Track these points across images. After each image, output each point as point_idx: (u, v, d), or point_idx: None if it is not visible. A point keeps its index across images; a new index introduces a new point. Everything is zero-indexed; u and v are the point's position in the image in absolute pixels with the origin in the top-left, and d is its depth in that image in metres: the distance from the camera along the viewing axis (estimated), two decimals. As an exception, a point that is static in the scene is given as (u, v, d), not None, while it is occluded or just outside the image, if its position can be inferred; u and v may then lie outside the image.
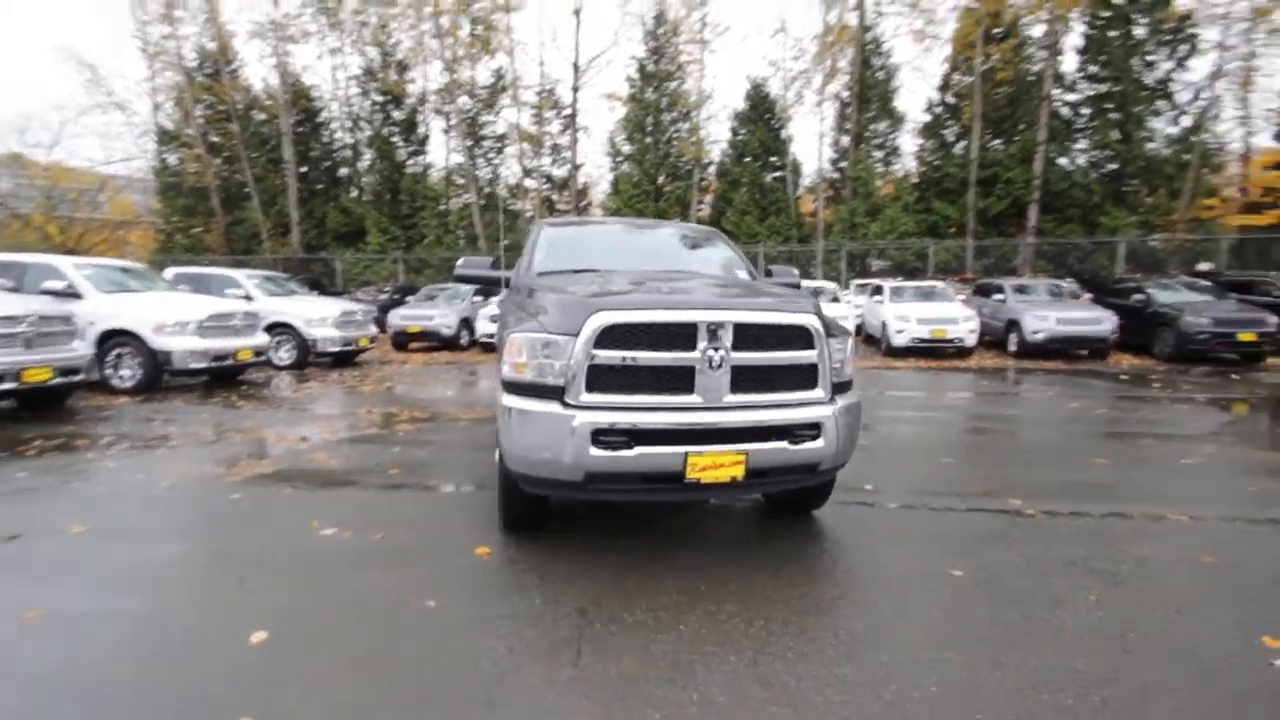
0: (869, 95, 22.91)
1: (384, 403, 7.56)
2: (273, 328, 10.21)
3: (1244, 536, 3.38)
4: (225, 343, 8.27)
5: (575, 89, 24.22)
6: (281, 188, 24.38)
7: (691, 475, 2.75)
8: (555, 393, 2.78)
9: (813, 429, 2.90)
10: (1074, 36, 21.83)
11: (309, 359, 10.81)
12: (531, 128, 24.60)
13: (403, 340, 14.17)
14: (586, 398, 2.74)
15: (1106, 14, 21.28)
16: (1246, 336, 10.82)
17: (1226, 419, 6.80)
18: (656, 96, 23.44)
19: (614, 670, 2.10)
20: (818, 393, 2.98)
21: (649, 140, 23.38)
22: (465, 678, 2.06)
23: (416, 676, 2.07)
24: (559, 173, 25.54)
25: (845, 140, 23.15)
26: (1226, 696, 1.99)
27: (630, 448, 2.71)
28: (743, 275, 4.26)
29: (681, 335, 2.77)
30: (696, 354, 2.77)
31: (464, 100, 24.56)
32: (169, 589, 2.71)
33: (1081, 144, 22.00)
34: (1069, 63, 21.95)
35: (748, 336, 2.83)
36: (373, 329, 11.99)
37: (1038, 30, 21.83)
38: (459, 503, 3.92)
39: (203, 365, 7.98)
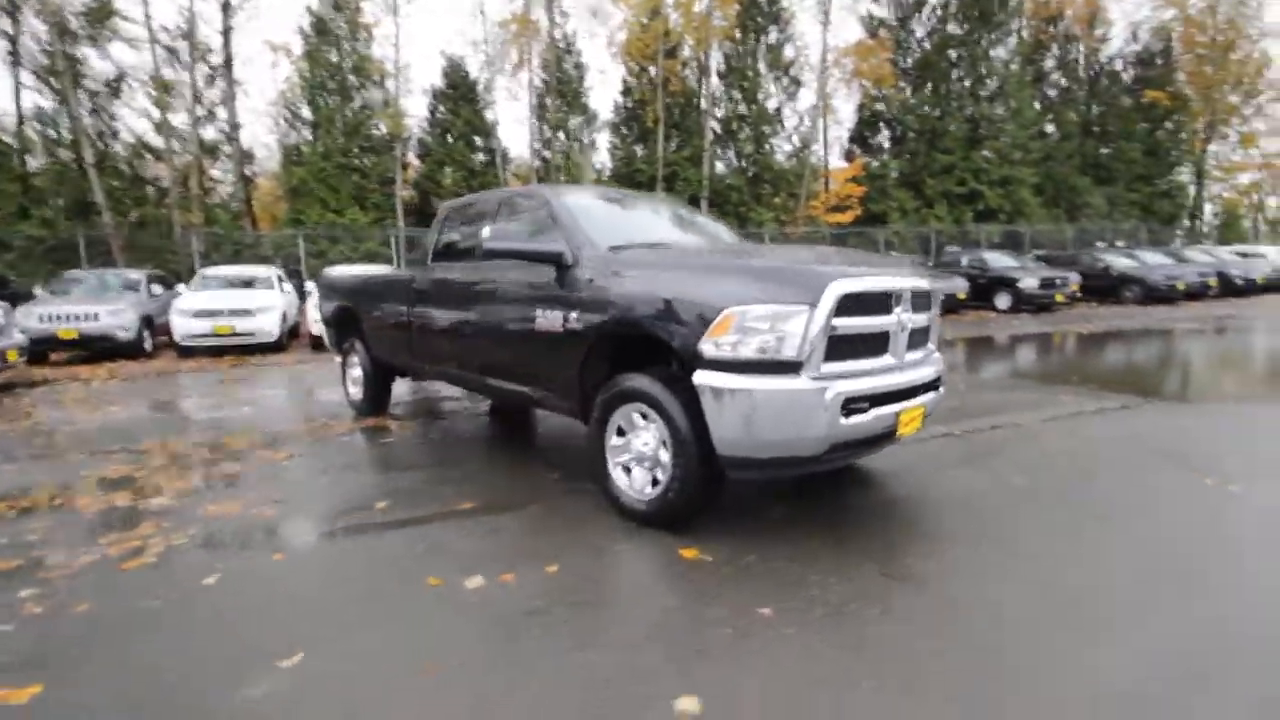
0: (564, 90, 24.00)
1: (153, 432, 5.43)
2: None
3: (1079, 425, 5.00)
4: None
5: (226, 31, 19.64)
6: None
7: (901, 431, 2.97)
8: (790, 367, 2.67)
9: (939, 378, 3.37)
10: (720, 62, 26.36)
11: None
12: (168, 75, 19.13)
13: (45, 349, 9.95)
14: (825, 368, 2.71)
15: (740, 47, 26.30)
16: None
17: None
18: (340, 58, 20.57)
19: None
20: (932, 347, 3.46)
21: (335, 104, 20.43)
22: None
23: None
24: (211, 134, 20.50)
25: (548, 130, 23.86)
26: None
27: (866, 412, 2.78)
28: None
29: (886, 302, 2.93)
30: (893, 319, 2.97)
31: (40, 24, 17.71)
32: None
33: (731, 152, 26.88)
34: (719, 84, 26.46)
35: (918, 301, 3.14)
36: (19, 336, 8.20)
37: (695, 51, 25.81)
38: (543, 521, 3.27)
39: None
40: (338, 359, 6.57)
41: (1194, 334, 11.12)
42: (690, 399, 2.85)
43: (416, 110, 22.79)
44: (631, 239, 3.67)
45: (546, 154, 23.81)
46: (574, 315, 3.32)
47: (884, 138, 29.32)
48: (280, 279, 12.66)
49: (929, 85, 27.91)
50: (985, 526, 3.05)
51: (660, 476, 3.00)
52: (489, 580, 2.54)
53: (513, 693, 1.85)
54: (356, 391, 5.97)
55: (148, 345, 10.79)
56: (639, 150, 25.13)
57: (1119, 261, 18.84)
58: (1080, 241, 28.53)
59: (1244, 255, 21.41)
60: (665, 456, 2.96)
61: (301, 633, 2.19)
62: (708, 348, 2.72)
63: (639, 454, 3.09)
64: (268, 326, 11.00)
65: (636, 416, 3.09)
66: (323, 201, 19.60)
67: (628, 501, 3.14)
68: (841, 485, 3.66)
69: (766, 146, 26.63)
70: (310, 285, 12.52)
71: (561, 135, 24.08)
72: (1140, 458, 4.11)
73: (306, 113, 20.66)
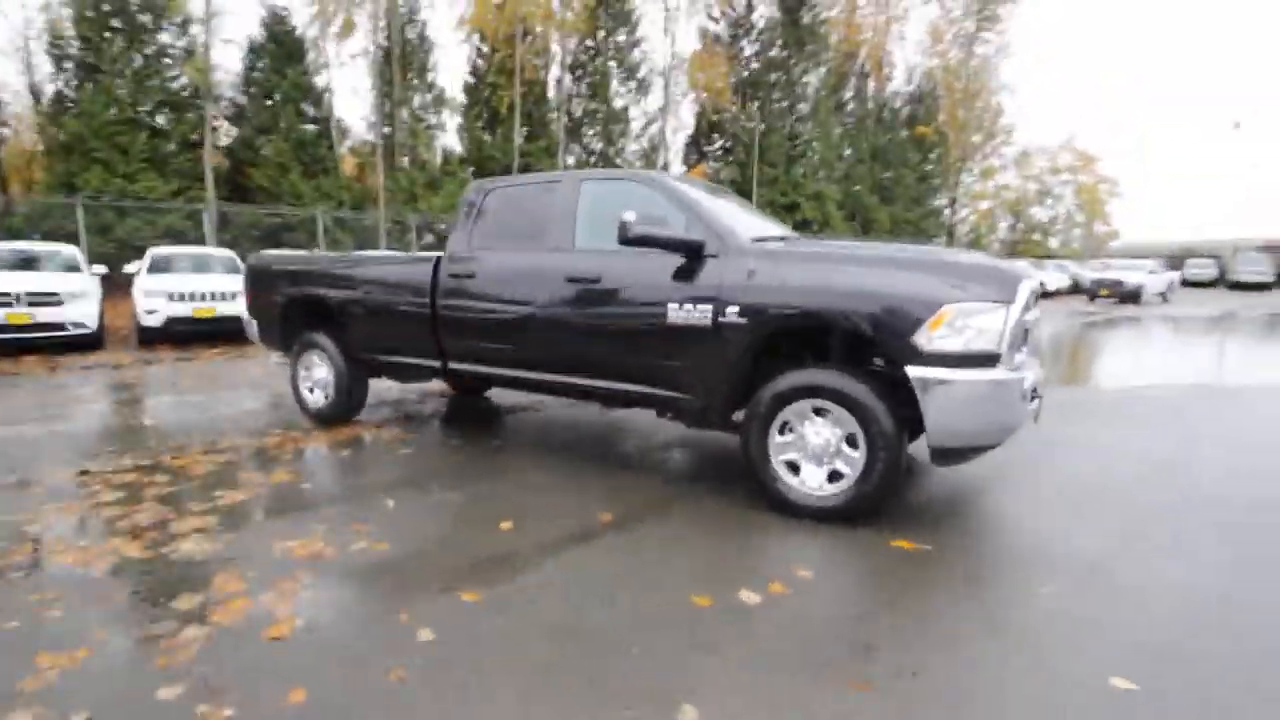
0: (408, 63, 22.11)
1: (41, 455, 4.10)
2: None
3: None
4: None
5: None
6: None
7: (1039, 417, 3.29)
8: (991, 360, 2.83)
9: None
10: (571, 56, 26.16)
11: None
12: None
13: None
14: (1014, 359, 2.92)
15: (590, 42, 26.35)
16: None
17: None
18: (126, -11, 16.80)
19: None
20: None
21: (119, 46, 16.63)
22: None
23: None
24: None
25: (389, 105, 21.77)
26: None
27: (1033, 400, 3.05)
28: None
29: (1029, 299, 3.21)
30: (1032, 316, 3.27)
31: None
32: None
33: (579, 147, 26.84)
34: (569, 78, 26.23)
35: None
36: None
37: (542, 43, 25.29)
38: (713, 525, 3.07)
39: None
40: (274, 358, 5.48)
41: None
42: (887, 392, 2.90)
43: (230, 65, 19.35)
44: (753, 230, 3.59)
45: (387, 130, 21.71)
46: (732, 309, 3.16)
47: (718, 147, 31.33)
48: (86, 259, 10.09)
49: (756, 102, 30.38)
50: (1098, 498, 3.47)
51: (846, 470, 2.99)
52: (761, 593, 2.35)
53: (975, 695, 1.77)
54: (318, 396, 5.03)
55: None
56: (488, 137, 24.03)
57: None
58: (874, 251, 33.10)
59: (999, 267, 26.44)
60: (852, 451, 2.97)
61: (648, 682, 1.85)
62: (923, 342, 2.78)
63: (815, 450, 3.05)
64: (82, 318, 8.73)
65: (810, 412, 3.05)
66: (106, 164, 15.86)
67: (798, 499, 3.09)
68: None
69: (615, 145, 27.04)
70: (133, 266, 10.22)
71: (405, 112, 22.14)
72: (1119, 421, 4.97)
73: (79, 52, 16.52)
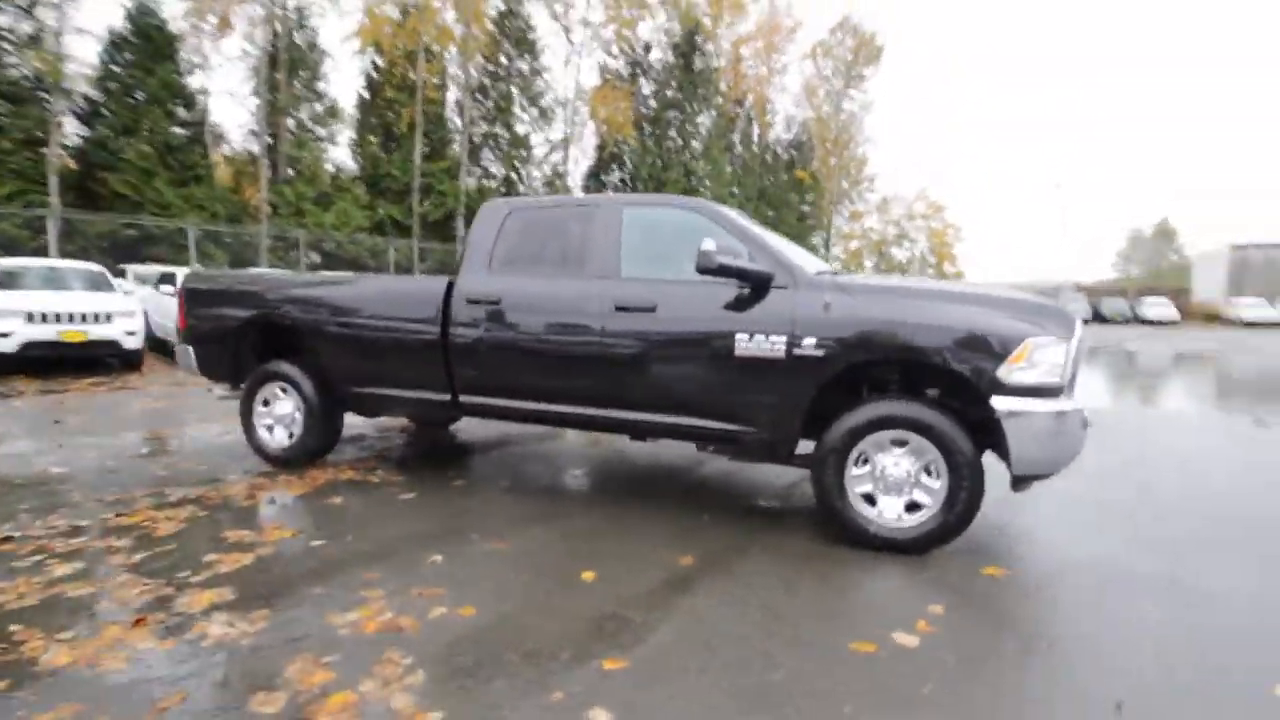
0: (295, 70, 20.57)
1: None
2: None
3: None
4: None
5: None
6: None
7: (1081, 446, 3.52)
8: (1056, 391, 3.00)
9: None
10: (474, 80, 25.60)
11: None
12: None
13: None
14: (1072, 391, 3.11)
15: (491, 66, 25.98)
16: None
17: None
18: (-51, -44, 14.32)
19: None
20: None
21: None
22: None
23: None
24: None
25: (273, 114, 20.04)
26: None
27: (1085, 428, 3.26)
28: None
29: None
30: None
31: None
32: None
33: (479, 170, 26.20)
34: (470, 101, 25.63)
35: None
36: None
37: (439, 64, 24.57)
38: (806, 565, 2.97)
39: None
40: (217, 390, 4.72)
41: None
42: (964, 423, 2.99)
43: (85, 56, 16.89)
44: (809, 262, 3.61)
45: (271, 139, 19.94)
46: (809, 341, 3.12)
47: (618, 178, 31.84)
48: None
49: (654, 138, 31.31)
50: (1100, 511, 3.75)
51: (926, 500, 3.03)
52: (913, 634, 2.27)
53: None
54: (280, 436, 4.38)
55: None
56: (383, 154, 22.80)
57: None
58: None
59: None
60: (931, 481, 3.01)
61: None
62: (1004, 374, 2.89)
63: (895, 481, 3.06)
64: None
65: (888, 443, 3.07)
66: (-83, 158, 13.25)
67: (878, 531, 3.07)
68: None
69: (518, 172, 26.69)
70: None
71: (291, 121, 20.48)
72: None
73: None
